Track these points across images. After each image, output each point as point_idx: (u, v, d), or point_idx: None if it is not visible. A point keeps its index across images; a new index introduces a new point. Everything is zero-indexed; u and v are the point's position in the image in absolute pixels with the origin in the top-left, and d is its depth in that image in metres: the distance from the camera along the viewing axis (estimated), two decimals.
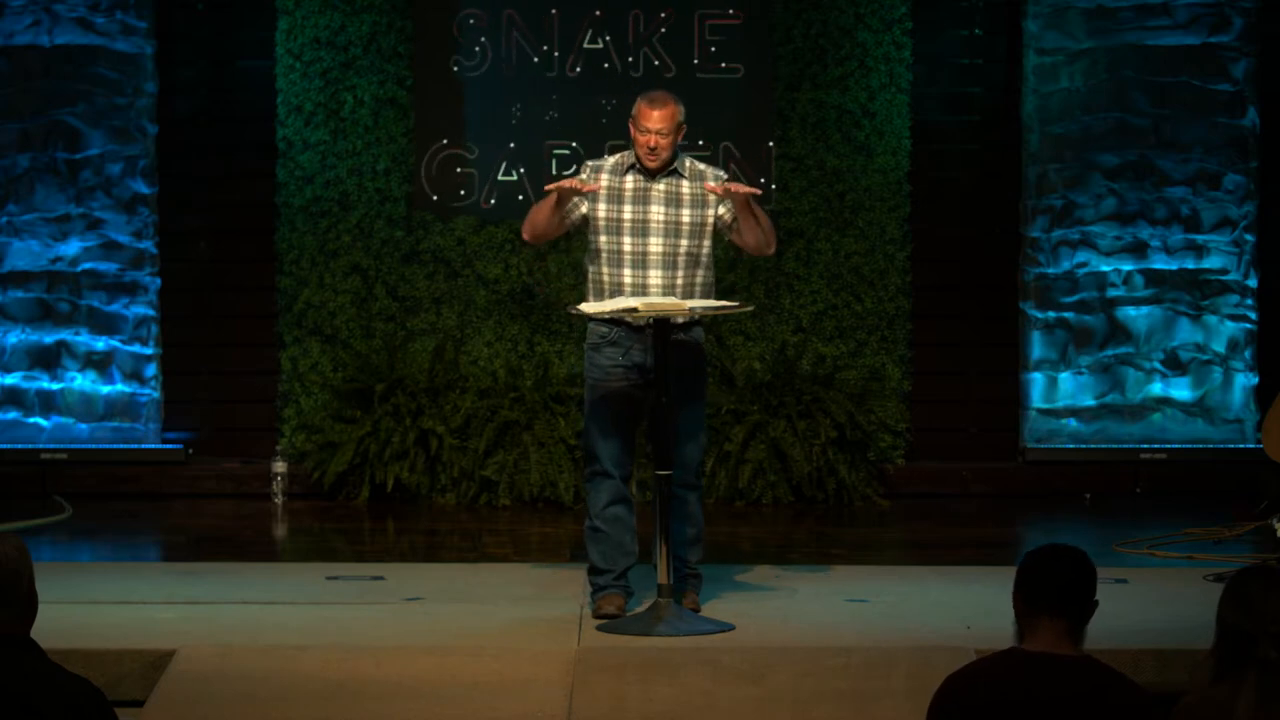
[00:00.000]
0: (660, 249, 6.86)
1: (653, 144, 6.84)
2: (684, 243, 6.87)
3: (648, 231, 6.87)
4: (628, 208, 6.89)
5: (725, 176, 7.00)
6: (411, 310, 10.76)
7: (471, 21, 10.77)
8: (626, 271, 6.85)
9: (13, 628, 3.92)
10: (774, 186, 10.68)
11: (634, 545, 6.96)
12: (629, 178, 6.93)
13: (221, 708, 5.81)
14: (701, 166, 7.00)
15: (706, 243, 6.92)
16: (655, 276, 6.84)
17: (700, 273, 6.91)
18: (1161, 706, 4.03)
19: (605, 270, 6.89)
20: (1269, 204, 10.91)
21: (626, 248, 6.87)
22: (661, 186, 6.90)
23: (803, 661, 6.19)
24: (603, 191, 6.91)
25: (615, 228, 6.88)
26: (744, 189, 6.83)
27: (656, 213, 6.88)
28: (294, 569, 8.32)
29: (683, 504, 6.90)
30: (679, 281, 6.86)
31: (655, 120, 6.85)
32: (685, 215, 6.89)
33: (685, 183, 6.92)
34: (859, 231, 10.77)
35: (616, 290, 6.84)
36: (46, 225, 10.76)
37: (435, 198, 10.78)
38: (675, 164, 6.92)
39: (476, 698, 5.87)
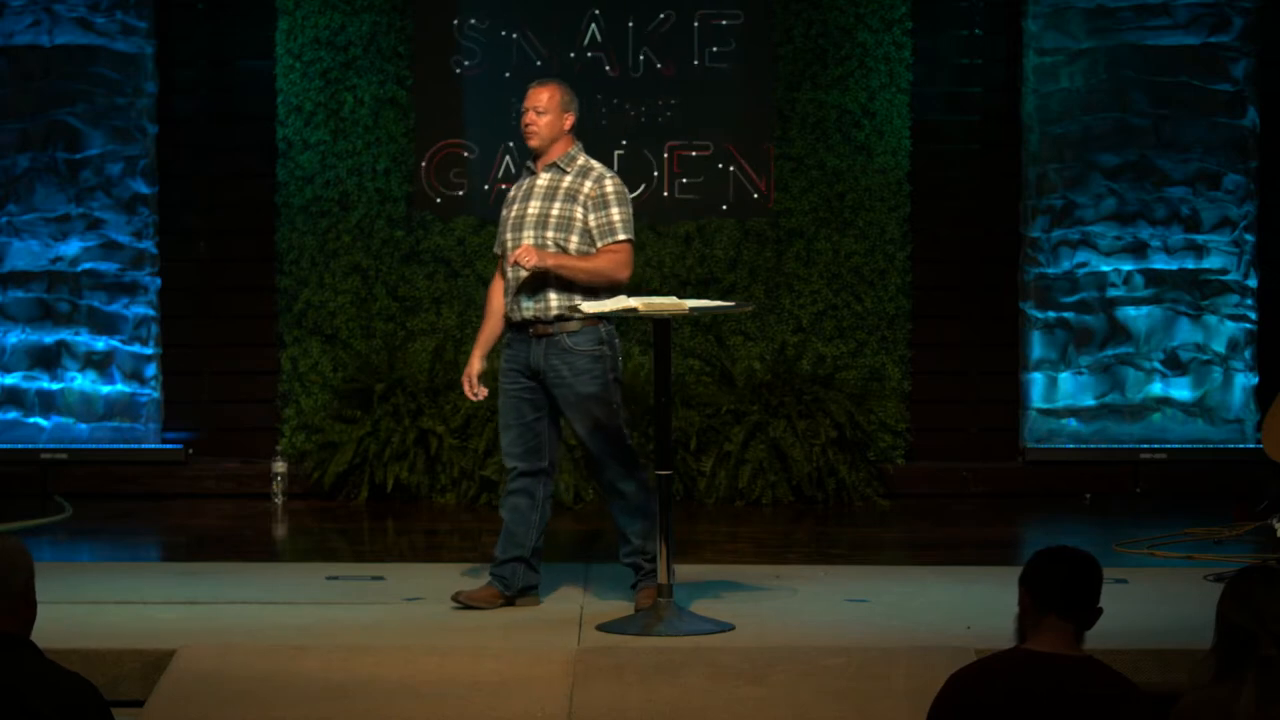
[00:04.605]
0: (530, 243, 6.83)
1: (527, 120, 6.90)
2: (550, 234, 6.84)
3: (522, 226, 6.90)
4: (515, 207, 6.96)
5: (609, 181, 6.89)
6: (411, 310, 10.76)
7: (471, 22, 10.78)
8: (508, 269, 6.91)
9: (5, 623, 3.91)
10: (761, 186, 10.70)
11: (527, 539, 6.98)
12: (524, 179, 7.01)
13: (221, 708, 5.81)
14: (594, 165, 6.97)
15: (575, 238, 6.85)
16: (524, 271, 6.82)
17: None
18: (1161, 706, 4.03)
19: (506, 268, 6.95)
20: (1269, 204, 10.91)
21: (509, 245, 6.92)
22: (542, 182, 6.94)
23: (803, 661, 6.18)
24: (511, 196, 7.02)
25: (504, 227, 6.96)
26: (526, 264, 6.74)
27: (532, 208, 6.91)
28: (294, 569, 8.32)
29: (621, 497, 6.93)
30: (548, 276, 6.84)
31: (530, 97, 6.92)
32: (554, 209, 6.87)
33: (566, 177, 6.92)
34: (859, 231, 10.77)
35: (510, 287, 6.89)
36: (46, 225, 10.76)
37: (435, 198, 10.78)
38: (561, 160, 6.92)
39: (477, 698, 5.87)
